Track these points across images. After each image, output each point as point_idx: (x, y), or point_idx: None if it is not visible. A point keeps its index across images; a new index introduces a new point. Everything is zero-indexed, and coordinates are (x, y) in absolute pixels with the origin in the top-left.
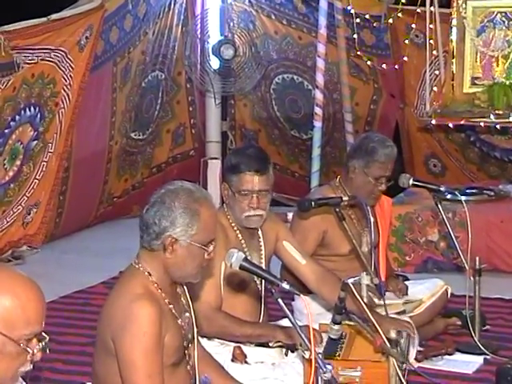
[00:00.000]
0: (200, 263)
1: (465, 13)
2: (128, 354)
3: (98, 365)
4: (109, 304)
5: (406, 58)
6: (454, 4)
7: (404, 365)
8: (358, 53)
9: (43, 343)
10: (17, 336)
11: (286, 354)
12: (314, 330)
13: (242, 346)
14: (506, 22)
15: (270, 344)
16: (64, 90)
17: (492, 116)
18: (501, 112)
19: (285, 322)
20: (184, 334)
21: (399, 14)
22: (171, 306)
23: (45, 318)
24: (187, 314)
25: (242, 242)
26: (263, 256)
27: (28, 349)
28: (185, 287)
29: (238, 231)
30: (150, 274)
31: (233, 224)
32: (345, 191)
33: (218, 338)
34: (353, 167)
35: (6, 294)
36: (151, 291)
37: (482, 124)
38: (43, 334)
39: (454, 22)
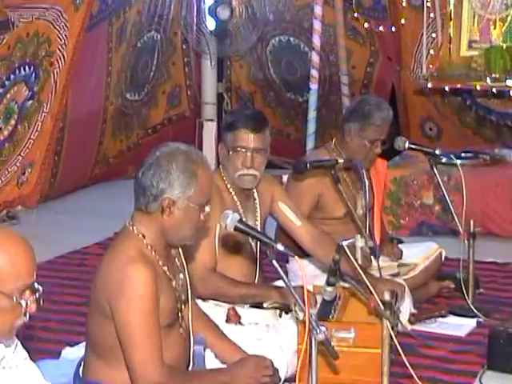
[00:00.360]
0: (196, 224)
1: None
2: (125, 317)
3: (91, 325)
4: (103, 266)
5: (403, 21)
6: None
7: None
8: (355, 15)
9: (37, 295)
10: (9, 290)
11: (280, 316)
12: (308, 292)
13: (236, 307)
14: None
15: (264, 305)
16: (59, 50)
17: (488, 80)
18: (497, 75)
19: (280, 284)
20: (178, 295)
21: None
22: (165, 267)
23: (36, 270)
24: (181, 276)
25: (238, 203)
26: (258, 217)
27: (22, 302)
28: (179, 249)
29: (233, 193)
30: (144, 236)
31: (228, 186)
32: (340, 154)
33: (213, 300)
34: (348, 130)
35: None
36: (145, 254)
37: (478, 87)
38: (36, 285)
39: None
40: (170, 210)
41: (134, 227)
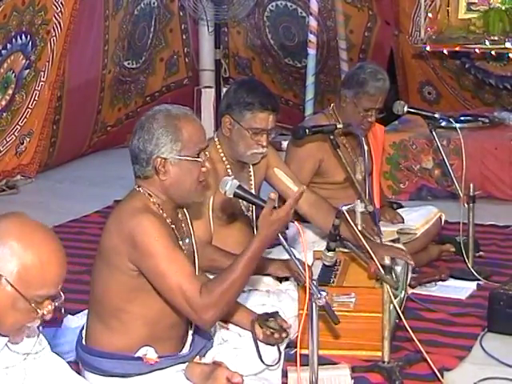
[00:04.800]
0: (197, 177)
1: None
2: (145, 251)
3: (97, 285)
4: (110, 220)
5: None
6: None
7: (403, 292)
8: None
9: (56, 304)
10: (30, 295)
11: (281, 282)
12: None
13: None
14: None
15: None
16: (55, 18)
17: (487, 42)
18: (496, 38)
19: (278, 250)
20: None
21: None
22: (173, 226)
23: (63, 281)
24: (187, 241)
25: (231, 174)
26: (253, 187)
27: (38, 310)
28: (186, 214)
29: (227, 164)
30: (151, 196)
31: (223, 156)
32: (338, 119)
33: (208, 272)
34: (344, 96)
35: (28, 251)
36: (152, 208)
37: (477, 50)
38: (59, 294)
39: None
40: (165, 169)
41: (140, 188)
